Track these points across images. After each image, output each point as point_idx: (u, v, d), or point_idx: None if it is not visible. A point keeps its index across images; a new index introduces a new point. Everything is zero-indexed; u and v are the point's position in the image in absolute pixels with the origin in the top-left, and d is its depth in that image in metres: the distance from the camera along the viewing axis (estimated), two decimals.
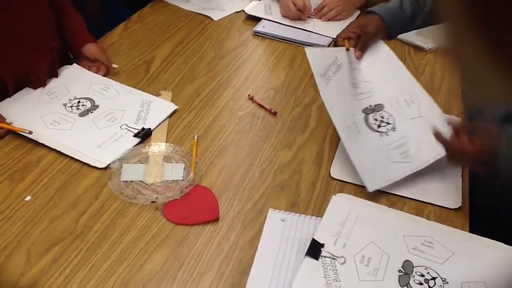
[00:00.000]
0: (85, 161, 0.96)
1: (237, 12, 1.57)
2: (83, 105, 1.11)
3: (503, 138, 0.82)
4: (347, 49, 1.10)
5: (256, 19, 1.52)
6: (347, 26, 1.20)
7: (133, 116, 1.08)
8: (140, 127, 1.05)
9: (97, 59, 1.21)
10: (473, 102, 0.95)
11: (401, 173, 0.95)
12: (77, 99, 1.12)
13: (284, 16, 1.52)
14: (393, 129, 1.02)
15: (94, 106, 1.10)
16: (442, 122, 0.92)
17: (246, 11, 1.54)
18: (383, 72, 1.10)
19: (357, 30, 1.11)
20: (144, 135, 1.03)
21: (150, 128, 1.05)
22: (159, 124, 1.08)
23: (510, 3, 0.25)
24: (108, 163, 0.96)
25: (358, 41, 1.11)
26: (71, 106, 1.10)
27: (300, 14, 1.50)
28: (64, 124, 1.05)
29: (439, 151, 0.92)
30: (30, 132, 0.99)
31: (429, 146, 0.93)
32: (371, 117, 1.04)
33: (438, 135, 0.88)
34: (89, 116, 1.08)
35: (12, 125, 1.02)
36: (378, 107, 1.06)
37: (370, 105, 1.06)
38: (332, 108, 1.00)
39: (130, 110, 1.10)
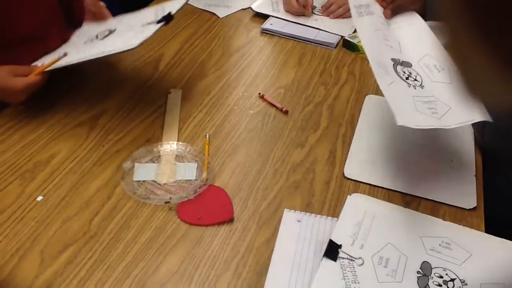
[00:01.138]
0: (117, 52, 0.97)
1: (243, 9, 1.55)
2: (103, 35, 1.10)
3: None
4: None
5: (264, 16, 1.50)
6: None
7: (152, 17, 1.06)
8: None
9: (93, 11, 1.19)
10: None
11: (429, 123, 0.87)
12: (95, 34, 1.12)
13: (287, 11, 1.51)
14: (421, 86, 0.96)
15: (113, 30, 1.10)
16: None
17: (253, 8, 1.53)
18: (414, 37, 1.06)
19: None
20: (167, 18, 1.00)
21: (170, 12, 1.02)
22: (179, 8, 1.04)
23: (509, 2, 0.25)
24: (138, 42, 0.94)
25: (393, 2, 1.09)
26: (91, 40, 1.10)
27: (303, 10, 1.48)
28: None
29: (469, 118, 0.88)
30: (65, 54, 1.02)
31: (458, 112, 0.89)
32: (399, 68, 0.98)
33: None
34: (110, 36, 1.08)
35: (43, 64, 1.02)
36: (406, 64, 1.00)
37: (399, 59, 1.00)
38: (365, 38, 0.95)
39: (147, 15, 1.08)
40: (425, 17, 1.10)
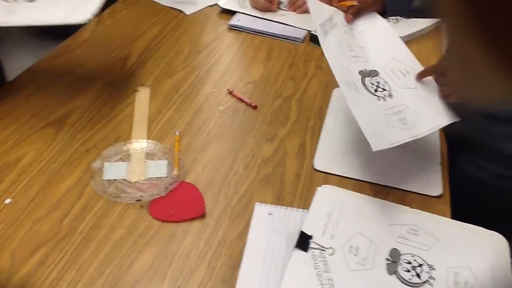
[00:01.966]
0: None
1: (210, 6, 1.55)
2: None
3: None
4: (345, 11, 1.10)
5: (231, 13, 1.51)
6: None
7: None
8: None
9: None
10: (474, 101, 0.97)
11: (401, 138, 0.88)
12: None
13: (253, 7, 1.52)
14: (390, 95, 0.98)
15: None
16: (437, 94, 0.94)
17: (220, 5, 1.53)
18: (377, 40, 1.08)
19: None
20: None
21: None
22: None
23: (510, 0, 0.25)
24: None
25: (352, 7, 1.10)
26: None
27: (269, 5, 1.49)
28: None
29: (437, 123, 0.91)
30: None
31: (427, 117, 0.92)
32: (367, 80, 0.99)
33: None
34: None
35: None
36: (373, 73, 1.02)
37: (366, 69, 1.02)
38: (332, 60, 0.96)
39: None
40: (384, 15, 1.12)
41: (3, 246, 0.79)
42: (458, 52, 0.31)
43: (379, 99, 0.96)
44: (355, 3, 1.10)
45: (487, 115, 0.99)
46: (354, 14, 1.10)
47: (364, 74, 1.01)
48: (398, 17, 1.53)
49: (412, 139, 0.89)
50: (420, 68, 1.01)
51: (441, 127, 0.92)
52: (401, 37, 1.36)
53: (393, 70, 1.03)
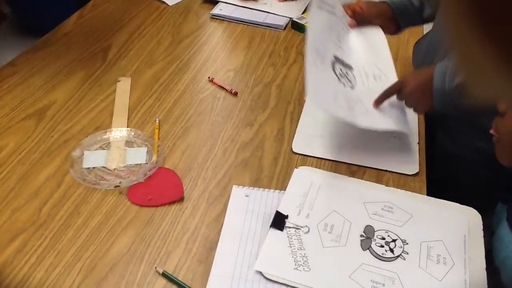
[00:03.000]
0: None
1: None
2: None
3: (436, 69, 0.90)
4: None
5: (213, 3, 1.51)
6: (362, 2, 1.19)
7: None
8: None
9: None
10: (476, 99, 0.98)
11: (340, 113, 0.90)
12: None
13: None
14: (351, 87, 1.00)
15: None
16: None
17: None
18: (368, 46, 1.10)
19: (365, 8, 1.13)
20: None
21: None
22: None
23: None
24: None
25: (358, 14, 1.13)
26: None
27: None
28: None
29: (381, 125, 0.94)
30: None
31: (374, 116, 0.95)
32: (338, 65, 1.01)
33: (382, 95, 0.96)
34: None
35: None
36: (347, 66, 1.04)
37: (342, 59, 1.04)
38: (313, 27, 0.98)
39: None
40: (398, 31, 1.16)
41: None
42: (460, 50, 0.30)
43: (339, 82, 0.97)
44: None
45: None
46: (358, 21, 1.13)
47: (338, 60, 1.02)
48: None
49: (345, 120, 0.90)
50: (394, 79, 1.03)
51: (381, 129, 0.94)
52: None
53: (367, 72, 1.05)
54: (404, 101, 0.97)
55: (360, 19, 1.13)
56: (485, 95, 0.32)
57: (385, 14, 1.13)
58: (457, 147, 1.07)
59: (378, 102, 0.97)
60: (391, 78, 1.04)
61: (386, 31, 1.13)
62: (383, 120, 0.96)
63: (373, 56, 1.09)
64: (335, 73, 0.97)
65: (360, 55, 1.09)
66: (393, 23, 1.14)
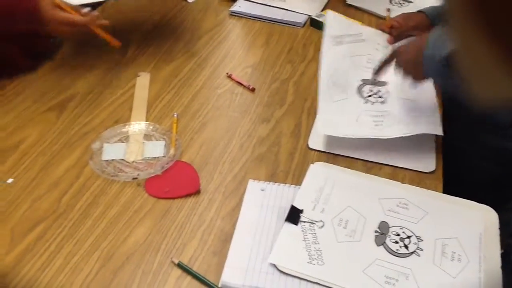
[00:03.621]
0: None
1: None
2: None
3: (428, 37, 0.90)
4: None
5: (232, 0, 1.52)
6: (396, 16, 1.23)
7: None
8: None
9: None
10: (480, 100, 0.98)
11: (359, 133, 0.97)
12: None
13: None
14: (382, 102, 1.04)
15: None
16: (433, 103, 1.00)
17: None
18: None
19: (401, 21, 1.17)
20: None
21: None
22: None
23: None
24: None
25: (395, 29, 1.18)
26: None
27: None
28: None
29: (405, 131, 0.96)
30: None
31: (402, 124, 0.97)
32: (365, 87, 1.06)
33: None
34: None
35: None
36: (380, 83, 1.07)
37: (374, 79, 1.08)
38: (325, 62, 1.07)
39: None
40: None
41: (4, 222, 0.83)
42: (466, 52, 0.31)
43: (366, 102, 1.03)
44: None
45: None
46: (396, 36, 1.16)
47: (368, 82, 1.07)
48: (402, 1, 1.53)
49: (374, 137, 0.96)
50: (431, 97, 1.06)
51: (408, 134, 0.96)
52: None
53: (403, 84, 1.05)
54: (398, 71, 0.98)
55: (397, 34, 1.16)
56: (488, 93, 0.33)
57: (423, 24, 1.15)
58: (470, 143, 1.06)
59: (378, 72, 1.01)
60: (426, 87, 1.05)
61: None
62: (414, 126, 0.97)
63: None
64: (362, 96, 1.04)
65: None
66: (430, 27, 1.15)
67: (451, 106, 1.04)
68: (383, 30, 1.21)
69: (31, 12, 1.03)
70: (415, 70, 0.93)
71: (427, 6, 1.20)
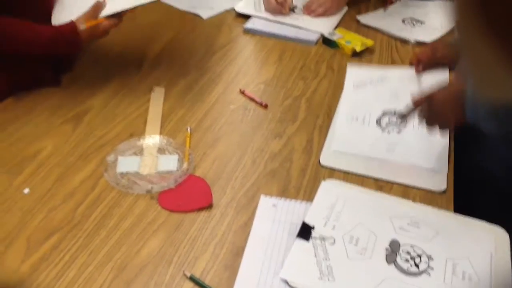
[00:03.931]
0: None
1: (227, 10, 1.60)
2: None
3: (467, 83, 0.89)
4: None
5: (246, 17, 1.55)
6: (425, 48, 1.28)
7: None
8: None
9: None
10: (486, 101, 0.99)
11: (371, 154, 1.01)
12: None
13: (266, 11, 1.56)
14: (398, 132, 1.07)
15: None
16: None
17: (236, 9, 1.57)
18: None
19: (429, 53, 1.23)
20: None
21: None
22: None
23: None
24: None
25: (423, 61, 1.23)
26: None
27: (280, 8, 1.53)
28: None
29: (413, 162, 0.99)
30: None
31: (411, 155, 1.00)
32: (385, 118, 1.10)
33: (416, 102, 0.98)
34: None
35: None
36: (400, 114, 1.10)
37: (394, 110, 1.12)
38: (345, 102, 1.15)
39: None
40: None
41: (20, 232, 0.84)
42: (472, 52, 0.31)
43: (383, 131, 1.07)
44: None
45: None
46: (424, 68, 1.21)
47: (388, 113, 1.11)
48: (415, 21, 1.55)
49: (378, 158, 1.01)
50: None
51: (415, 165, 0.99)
52: (418, 41, 1.42)
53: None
54: (425, 119, 0.97)
55: (425, 66, 1.22)
56: (495, 96, 0.33)
57: (449, 56, 1.20)
58: (481, 171, 1.06)
59: (406, 116, 1.00)
60: None
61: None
62: (423, 161, 1.00)
63: None
64: (380, 125, 1.09)
65: None
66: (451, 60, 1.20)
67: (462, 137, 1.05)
68: (412, 63, 1.25)
69: (72, 40, 1.11)
70: (453, 115, 0.93)
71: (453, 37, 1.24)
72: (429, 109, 0.95)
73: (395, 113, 1.11)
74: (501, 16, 0.27)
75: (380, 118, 1.10)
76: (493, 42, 0.28)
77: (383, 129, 1.08)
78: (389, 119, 1.09)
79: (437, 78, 1.19)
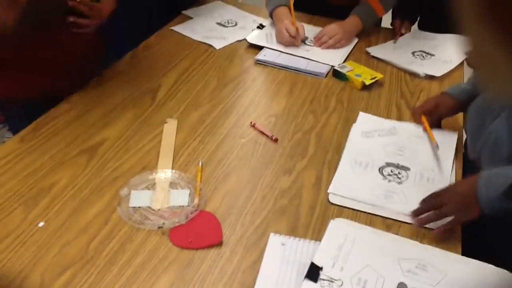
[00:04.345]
0: None
1: (239, 40, 1.63)
2: None
3: (480, 177, 0.90)
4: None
5: (258, 48, 1.58)
6: (425, 102, 1.27)
7: None
8: None
9: None
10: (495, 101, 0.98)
11: (367, 200, 1.01)
12: None
13: (279, 42, 1.59)
14: (399, 183, 1.07)
15: None
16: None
17: (248, 40, 1.60)
18: (433, 153, 1.16)
19: (432, 107, 1.22)
20: None
21: None
22: None
23: None
24: None
25: (429, 117, 1.23)
26: None
27: (293, 40, 1.56)
28: None
29: (406, 211, 0.98)
30: None
31: (408, 205, 0.98)
32: (387, 168, 1.10)
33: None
34: None
35: None
36: (403, 168, 1.11)
37: (398, 163, 1.12)
38: (350, 146, 1.16)
39: None
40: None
41: (35, 266, 0.86)
42: (477, 50, 0.31)
43: (384, 179, 1.08)
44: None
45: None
46: (430, 124, 1.21)
47: (391, 165, 1.11)
48: (424, 54, 1.57)
49: (372, 206, 1.00)
50: (447, 179, 1.09)
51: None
52: (427, 74, 1.44)
53: (423, 175, 1.09)
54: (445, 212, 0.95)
55: (431, 121, 1.22)
56: (501, 94, 0.34)
57: (452, 108, 1.20)
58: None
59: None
60: (444, 181, 1.07)
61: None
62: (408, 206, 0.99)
63: (435, 161, 1.14)
64: (382, 174, 1.09)
65: (423, 159, 1.14)
66: (460, 108, 1.20)
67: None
68: (417, 121, 1.24)
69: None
70: (467, 211, 0.92)
71: (451, 87, 1.24)
72: (442, 209, 0.93)
73: (398, 166, 1.11)
74: (510, 17, 0.27)
75: (383, 167, 1.11)
76: (502, 42, 0.28)
77: (384, 177, 1.08)
78: (391, 170, 1.10)
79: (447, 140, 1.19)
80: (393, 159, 1.13)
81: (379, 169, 1.10)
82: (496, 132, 0.98)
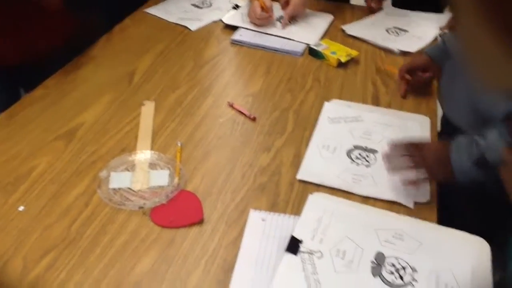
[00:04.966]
0: None
1: (214, 21, 1.63)
2: None
3: (453, 142, 0.92)
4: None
5: (234, 28, 1.57)
6: (406, 63, 1.32)
7: None
8: None
9: None
10: (488, 95, 1.01)
11: (333, 183, 1.01)
12: None
13: (252, 22, 1.58)
14: (367, 166, 1.07)
15: None
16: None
17: (224, 21, 1.60)
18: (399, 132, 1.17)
19: (409, 68, 1.28)
20: None
21: None
22: None
23: None
24: None
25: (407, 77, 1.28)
26: None
27: (263, 21, 1.56)
28: None
29: (378, 195, 0.99)
30: None
31: (377, 188, 1.00)
32: (355, 152, 1.11)
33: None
34: None
35: None
36: (371, 150, 1.11)
37: (366, 146, 1.12)
38: (318, 133, 1.15)
39: None
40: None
41: (16, 250, 0.86)
42: (472, 41, 0.31)
43: (352, 163, 1.08)
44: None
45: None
46: (410, 87, 1.28)
47: (359, 148, 1.12)
48: (398, 31, 1.58)
49: (348, 190, 1.00)
50: None
51: (380, 198, 0.99)
52: (402, 51, 1.47)
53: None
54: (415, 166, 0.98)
55: (410, 86, 1.27)
56: (496, 85, 0.34)
57: (428, 64, 1.25)
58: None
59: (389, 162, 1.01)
60: None
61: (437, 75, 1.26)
62: (388, 193, 1.00)
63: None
64: (350, 157, 1.09)
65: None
66: (436, 67, 1.24)
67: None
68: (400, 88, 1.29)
69: None
70: (441, 170, 0.94)
71: (429, 46, 1.27)
72: (421, 157, 0.96)
73: (366, 148, 1.11)
74: (506, 8, 0.27)
75: (351, 151, 1.11)
76: (497, 33, 0.28)
77: (352, 161, 1.08)
78: (359, 154, 1.10)
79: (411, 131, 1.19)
80: (361, 142, 1.14)
81: (347, 153, 1.10)
82: (468, 90, 1.01)
